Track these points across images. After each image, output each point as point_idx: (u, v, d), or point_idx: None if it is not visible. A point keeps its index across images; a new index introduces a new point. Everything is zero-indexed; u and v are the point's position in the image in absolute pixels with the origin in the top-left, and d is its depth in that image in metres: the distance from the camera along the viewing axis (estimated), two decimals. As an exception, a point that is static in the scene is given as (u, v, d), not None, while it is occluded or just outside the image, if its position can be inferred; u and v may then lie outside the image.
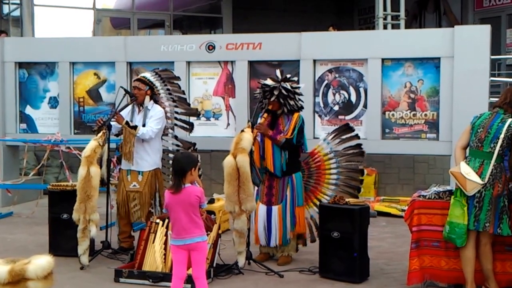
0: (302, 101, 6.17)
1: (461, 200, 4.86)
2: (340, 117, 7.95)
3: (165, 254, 5.57)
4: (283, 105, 6.01)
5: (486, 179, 4.79)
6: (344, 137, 6.31)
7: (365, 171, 6.19)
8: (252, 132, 5.76)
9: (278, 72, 6.12)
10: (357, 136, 6.33)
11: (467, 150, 5.07)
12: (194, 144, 6.79)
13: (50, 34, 12.96)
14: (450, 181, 6.60)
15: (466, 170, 4.83)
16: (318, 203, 6.15)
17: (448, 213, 4.92)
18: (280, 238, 6.04)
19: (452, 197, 4.96)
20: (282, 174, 6.02)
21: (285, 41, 8.12)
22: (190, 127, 6.93)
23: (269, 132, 5.96)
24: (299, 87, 6.15)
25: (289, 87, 5.99)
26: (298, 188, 6.09)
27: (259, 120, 6.04)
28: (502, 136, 4.81)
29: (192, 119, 7.29)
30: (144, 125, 6.27)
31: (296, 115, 6.06)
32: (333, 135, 6.34)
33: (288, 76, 6.10)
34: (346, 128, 6.37)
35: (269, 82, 6.03)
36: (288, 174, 6.04)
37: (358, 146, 6.29)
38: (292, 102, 6.01)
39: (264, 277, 5.67)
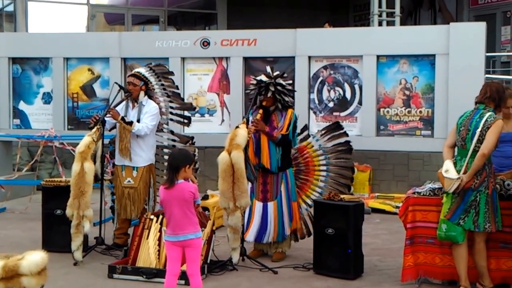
0: (292, 98, 6.19)
1: (448, 198, 4.86)
2: (335, 113, 7.95)
3: (159, 250, 5.56)
4: (278, 101, 6.00)
5: (461, 173, 4.73)
6: (333, 134, 6.28)
7: (356, 169, 6.16)
8: (248, 128, 5.74)
9: (269, 68, 6.13)
10: (346, 134, 6.32)
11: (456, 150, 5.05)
12: (192, 138, 6.74)
13: (44, 29, 12.91)
14: (444, 178, 6.60)
15: (445, 168, 4.80)
16: (307, 199, 6.18)
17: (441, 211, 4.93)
18: (275, 234, 6.04)
19: (444, 195, 4.95)
20: (277, 170, 6.01)
21: (280, 38, 8.11)
22: (187, 121, 6.89)
23: (266, 128, 5.94)
24: (291, 83, 6.18)
25: (284, 83, 6.01)
26: (292, 183, 6.10)
27: (251, 117, 6.02)
28: (478, 130, 4.74)
29: (187, 113, 7.25)
30: (138, 121, 6.24)
31: (290, 111, 6.06)
32: (322, 132, 6.33)
33: (277, 73, 6.10)
34: (336, 127, 6.35)
35: (264, 78, 6.02)
36: (282, 170, 6.04)
37: (347, 143, 6.27)
38: (287, 98, 6.03)
39: (258, 273, 5.66)
